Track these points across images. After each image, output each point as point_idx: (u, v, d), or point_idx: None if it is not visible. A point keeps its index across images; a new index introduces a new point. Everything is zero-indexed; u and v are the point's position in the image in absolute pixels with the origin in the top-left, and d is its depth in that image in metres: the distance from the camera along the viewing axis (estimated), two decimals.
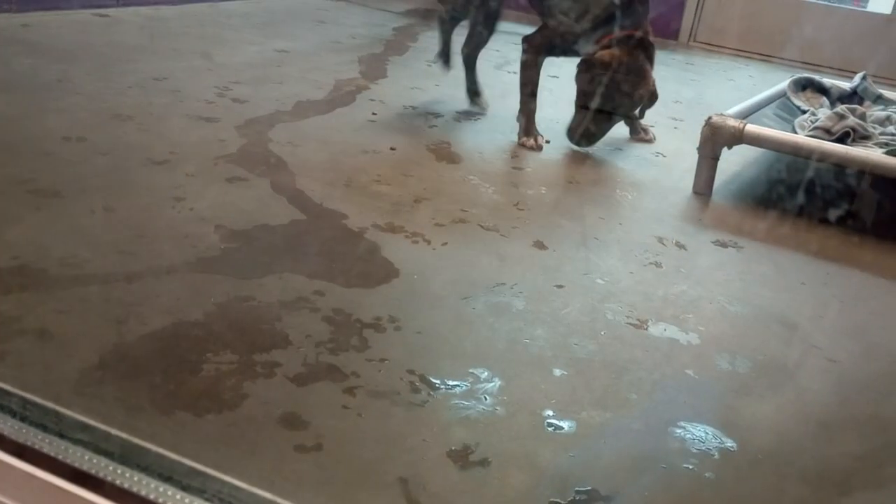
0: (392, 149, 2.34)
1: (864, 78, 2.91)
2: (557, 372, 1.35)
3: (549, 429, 1.21)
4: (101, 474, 0.61)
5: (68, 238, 1.59)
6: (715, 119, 2.28)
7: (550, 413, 1.24)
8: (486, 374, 1.32)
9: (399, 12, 4.82)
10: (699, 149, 2.31)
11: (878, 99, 2.83)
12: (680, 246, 1.93)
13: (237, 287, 1.48)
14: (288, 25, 4.01)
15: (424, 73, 3.34)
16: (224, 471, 0.76)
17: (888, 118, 2.51)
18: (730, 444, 1.22)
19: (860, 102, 2.79)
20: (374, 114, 2.66)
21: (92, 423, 0.68)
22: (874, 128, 2.41)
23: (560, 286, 1.65)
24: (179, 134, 2.23)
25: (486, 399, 1.25)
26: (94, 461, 0.62)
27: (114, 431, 0.67)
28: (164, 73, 2.78)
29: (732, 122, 2.25)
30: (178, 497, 0.65)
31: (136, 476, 0.62)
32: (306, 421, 1.15)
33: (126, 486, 0.61)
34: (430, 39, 4.10)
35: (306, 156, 2.19)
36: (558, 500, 1.07)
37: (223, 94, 2.63)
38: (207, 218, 1.74)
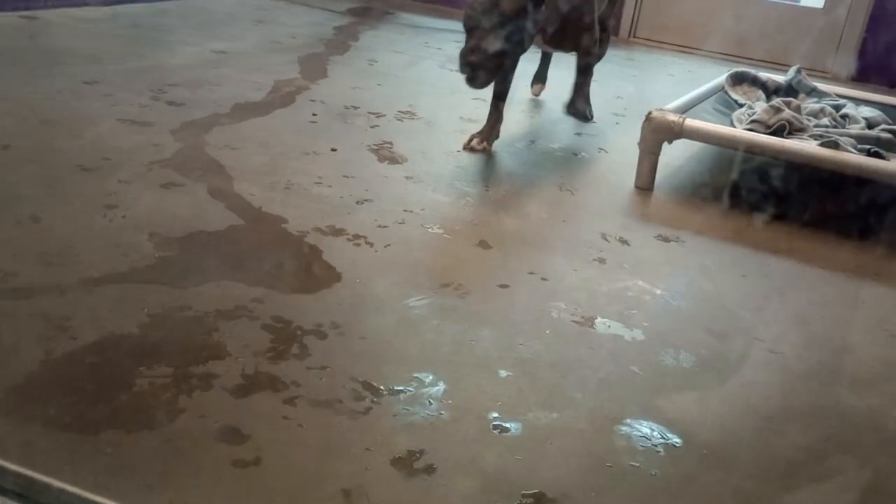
0: (333, 150, 2.30)
1: (798, 71, 2.96)
2: (503, 373, 1.33)
3: (495, 431, 1.19)
4: None
5: None
6: (655, 114, 2.29)
7: (496, 415, 1.23)
8: (430, 377, 1.30)
9: (340, 11, 4.76)
10: (640, 144, 2.32)
11: (812, 92, 2.89)
12: (623, 241, 1.93)
13: (172, 297, 1.43)
14: (226, 26, 3.93)
15: (366, 72, 3.31)
16: (156, 492, 0.72)
17: (822, 110, 2.56)
18: (675, 440, 1.22)
19: (795, 95, 2.84)
20: (314, 115, 2.62)
21: None
22: (808, 120, 2.45)
23: (505, 286, 1.64)
24: (111, 139, 2.16)
25: (430, 404, 1.23)
26: None
27: (11, 466, 0.63)
28: (96, 77, 2.69)
29: (672, 117, 2.27)
30: None
31: None
32: (245, 434, 1.11)
33: None
34: (371, 38, 4.07)
35: (245, 159, 2.14)
36: None
37: (158, 98, 2.56)
38: (141, 226, 1.68)
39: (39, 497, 0.60)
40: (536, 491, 1.08)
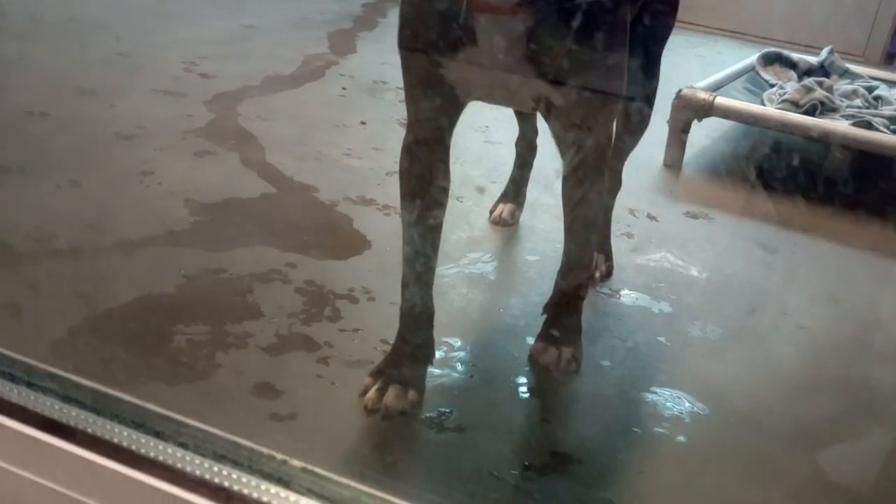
0: (362, 123, 2.32)
1: (830, 52, 2.94)
2: (531, 340, 1.35)
3: (524, 395, 1.21)
4: (72, 423, 0.61)
5: (35, 214, 1.56)
6: (685, 91, 2.29)
7: (524, 380, 1.25)
8: (459, 342, 1.32)
9: None
10: (669, 121, 2.31)
11: (845, 73, 2.86)
12: (651, 217, 1.94)
13: (208, 260, 1.46)
14: (253, 1, 3.95)
15: (394, 48, 3.31)
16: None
17: (854, 91, 2.54)
18: (702, 408, 1.24)
19: (827, 76, 2.81)
20: (343, 88, 2.64)
21: (61, 373, 0.67)
22: (841, 100, 2.43)
23: (533, 257, 1.65)
24: (146, 109, 2.19)
25: (459, 367, 1.25)
26: (65, 410, 0.61)
27: (84, 382, 0.66)
28: (128, 49, 2.72)
29: (703, 95, 2.26)
30: (151, 444, 0.64)
31: (108, 424, 0.62)
32: (280, 390, 1.14)
33: (98, 433, 0.61)
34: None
35: (276, 130, 2.16)
36: (533, 464, 1.07)
37: (189, 70, 2.59)
38: (176, 192, 1.71)
39: (111, 408, 0.63)
40: (563, 452, 1.10)
